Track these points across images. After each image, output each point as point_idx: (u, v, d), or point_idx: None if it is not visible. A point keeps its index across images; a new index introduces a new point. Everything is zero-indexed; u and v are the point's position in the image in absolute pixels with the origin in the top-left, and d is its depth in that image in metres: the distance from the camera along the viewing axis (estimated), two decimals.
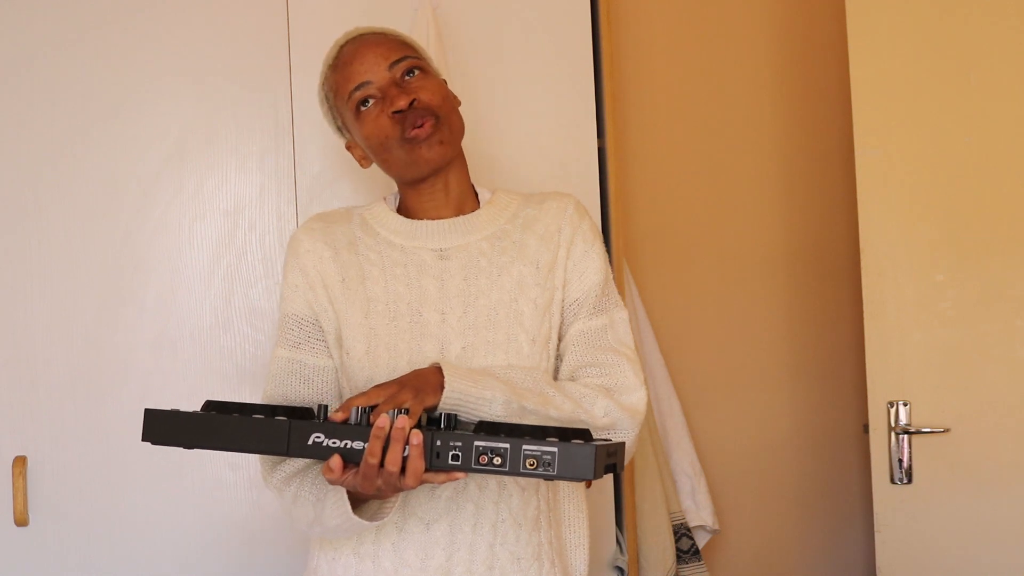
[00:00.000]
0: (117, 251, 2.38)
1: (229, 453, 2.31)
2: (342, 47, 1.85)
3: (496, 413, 1.64)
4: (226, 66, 2.42)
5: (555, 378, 1.83)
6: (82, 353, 2.36)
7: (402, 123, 1.78)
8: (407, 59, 1.82)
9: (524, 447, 1.48)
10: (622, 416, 1.75)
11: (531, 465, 1.48)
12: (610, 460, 1.55)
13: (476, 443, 1.50)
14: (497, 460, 1.49)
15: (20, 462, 2.32)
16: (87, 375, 2.36)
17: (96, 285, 2.37)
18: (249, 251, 2.41)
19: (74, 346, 2.36)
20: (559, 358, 1.84)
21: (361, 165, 1.91)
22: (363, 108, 1.81)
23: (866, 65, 2.74)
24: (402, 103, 1.77)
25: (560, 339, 1.83)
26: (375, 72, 1.80)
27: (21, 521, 2.32)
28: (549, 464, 1.48)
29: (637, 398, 1.78)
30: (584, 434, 1.51)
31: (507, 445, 1.49)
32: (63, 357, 2.35)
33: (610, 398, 1.75)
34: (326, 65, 1.87)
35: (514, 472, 1.48)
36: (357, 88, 1.81)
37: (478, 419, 1.64)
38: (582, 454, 1.47)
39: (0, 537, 2.32)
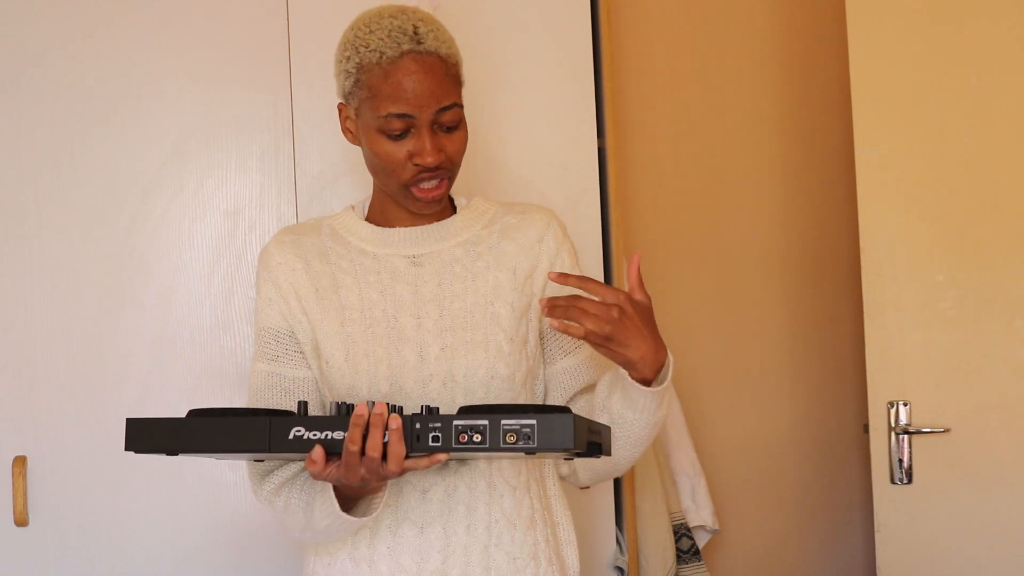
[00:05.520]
0: (117, 251, 2.38)
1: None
2: (405, 54, 1.70)
3: None
4: (226, 66, 2.41)
5: (562, 395, 1.86)
6: (82, 353, 2.36)
7: (416, 172, 1.74)
8: (455, 107, 1.74)
9: (503, 421, 1.49)
10: None
11: (511, 440, 1.48)
12: (593, 437, 1.55)
13: (455, 423, 1.51)
14: (477, 437, 1.50)
15: (20, 462, 2.32)
16: (87, 375, 2.36)
17: (96, 285, 2.37)
18: (249, 251, 2.41)
19: (74, 346, 2.36)
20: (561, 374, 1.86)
21: (345, 136, 1.83)
22: (392, 135, 1.73)
23: (866, 65, 2.74)
24: (431, 160, 1.71)
25: (542, 339, 1.85)
26: (423, 110, 1.71)
27: (21, 521, 2.32)
28: (529, 437, 1.48)
29: None
30: (563, 410, 1.52)
31: (486, 421, 1.49)
32: (63, 357, 2.35)
33: None
34: (376, 54, 1.71)
35: (495, 448, 1.49)
36: (399, 116, 1.71)
37: None
38: (561, 423, 1.48)
39: (0, 537, 2.32)
